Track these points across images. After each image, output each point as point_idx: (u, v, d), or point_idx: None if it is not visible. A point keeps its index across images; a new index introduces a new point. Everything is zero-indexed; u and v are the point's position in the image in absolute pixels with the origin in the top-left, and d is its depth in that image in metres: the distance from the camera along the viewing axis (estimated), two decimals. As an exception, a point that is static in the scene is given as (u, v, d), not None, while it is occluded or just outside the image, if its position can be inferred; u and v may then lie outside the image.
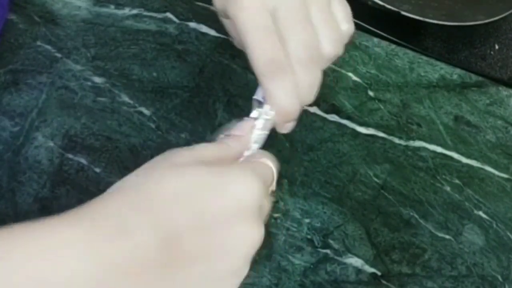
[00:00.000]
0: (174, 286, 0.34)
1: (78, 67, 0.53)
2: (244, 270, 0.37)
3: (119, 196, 0.35)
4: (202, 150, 0.39)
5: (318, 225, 0.49)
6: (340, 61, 0.60)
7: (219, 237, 0.35)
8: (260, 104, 0.43)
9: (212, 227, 0.35)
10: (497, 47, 0.73)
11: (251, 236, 0.36)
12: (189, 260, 0.35)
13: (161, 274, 0.34)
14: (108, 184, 0.47)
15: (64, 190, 0.47)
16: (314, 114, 0.55)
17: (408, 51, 0.63)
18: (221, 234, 0.35)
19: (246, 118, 0.43)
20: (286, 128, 0.45)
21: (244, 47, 0.42)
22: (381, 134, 0.56)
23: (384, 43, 0.63)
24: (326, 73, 0.48)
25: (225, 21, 0.46)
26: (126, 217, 0.34)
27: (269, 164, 0.41)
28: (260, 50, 0.41)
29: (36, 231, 0.32)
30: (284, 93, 0.42)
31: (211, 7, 0.57)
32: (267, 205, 0.40)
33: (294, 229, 0.49)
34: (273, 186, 0.42)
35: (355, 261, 0.48)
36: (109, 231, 0.33)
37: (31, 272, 0.30)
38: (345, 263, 0.48)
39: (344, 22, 0.45)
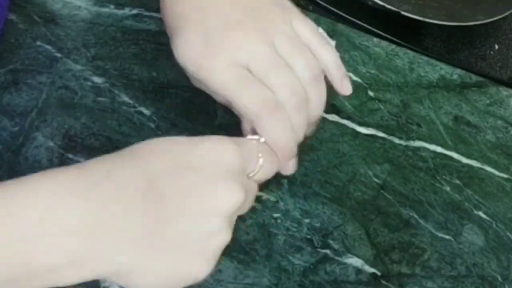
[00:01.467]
0: (157, 236, 0.35)
1: (78, 67, 0.53)
2: (224, 233, 0.37)
3: (105, 157, 0.37)
4: None
5: (318, 225, 0.49)
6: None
7: (198, 191, 0.36)
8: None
9: (192, 180, 0.36)
10: (497, 47, 0.73)
11: (227, 196, 0.37)
12: (171, 208, 0.36)
13: (145, 216, 0.35)
14: (108, 184, 0.48)
15: (64, 190, 0.47)
16: (314, 114, 0.55)
17: (408, 51, 0.63)
18: (200, 188, 0.36)
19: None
20: (288, 168, 0.46)
21: (230, 100, 0.43)
22: (381, 134, 0.56)
23: (384, 43, 0.63)
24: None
25: (199, 84, 0.47)
26: (111, 164, 0.36)
27: (255, 147, 0.41)
28: (248, 94, 0.42)
29: (28, 185, 0.34)
30: (282, 128, 0.43)
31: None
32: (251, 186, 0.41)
33: (294, 229, 0.49)
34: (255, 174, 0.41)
35: (355, 261, 0.48)
36: (95, 177, 0.35)
37: (26, 221, 0.32)
38: (345, 263, 0.48)
39: (311, 37, 0.46)
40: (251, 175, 0.40)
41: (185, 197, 0.36)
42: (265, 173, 0.42)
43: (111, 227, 0.34)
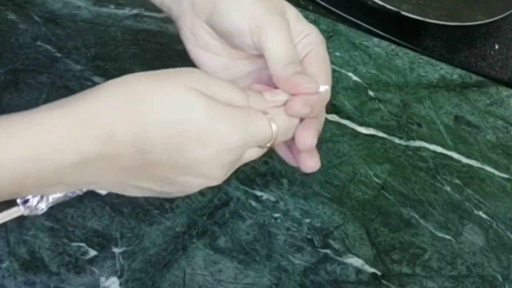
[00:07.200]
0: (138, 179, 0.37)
1: (78, 67, 0.53)
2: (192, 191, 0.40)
3: (109, 92, 0.36)
4: (218, 86, 0.38)
5: (318, 225, 0.49)
6: (340, 61, 0.60)
7: (182, 165, 0.37)
8: None
9: (181, 155, 0.36)
10: (497, 47, 0.73)
11: (207, 181, 0.38)
12: (155, 167, 0.36)
13: (133, 169, 0.36)
14: (108, 184, 0.47)
15: (64, 190, 0.47)
16: (314, 114, 0.55)
17: (408, 51, 0.63)
18: (185, 163, 0.36)
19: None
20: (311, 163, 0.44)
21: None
22: (381, 134, 0.56)
23: (384, 43, 0.63)
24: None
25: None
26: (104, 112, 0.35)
27: (270, 126, 0.39)
28: None
29: (26, 120, 0.34)
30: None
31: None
32: (248, 156, 0.40)
33: (294, 229, 0.49)
34: (270, 143, 0.40)
35: (355, 261, 0.48)
36: (86, 120, 0.35)
37: (22, 152, 0.33)
38: (345, 263, 0.48)
39: None
40: (268, 144, 0.39)
41: (167, 160, 0.36)
42: (284, 135, 0.40)
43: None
